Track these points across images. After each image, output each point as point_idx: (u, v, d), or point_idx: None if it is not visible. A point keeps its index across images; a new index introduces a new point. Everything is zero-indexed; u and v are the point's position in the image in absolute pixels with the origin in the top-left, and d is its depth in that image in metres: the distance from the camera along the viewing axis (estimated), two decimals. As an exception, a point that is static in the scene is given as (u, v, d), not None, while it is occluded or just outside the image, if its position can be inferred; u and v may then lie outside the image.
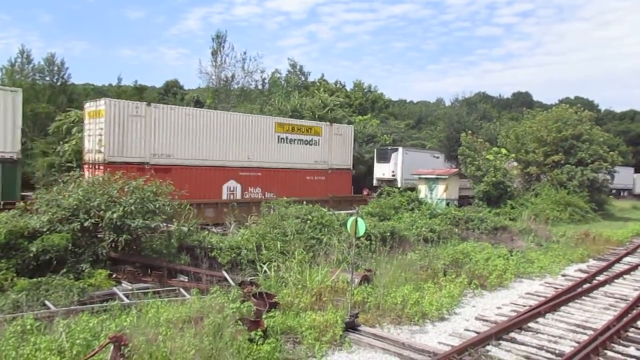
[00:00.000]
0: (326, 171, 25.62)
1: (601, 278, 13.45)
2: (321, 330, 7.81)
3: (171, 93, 51.28)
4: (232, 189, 22.18)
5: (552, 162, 30.35)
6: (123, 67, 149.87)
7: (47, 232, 10.78)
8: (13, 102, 18.09)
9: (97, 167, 18.97)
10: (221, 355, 6.28)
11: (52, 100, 35.67)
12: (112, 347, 5.76)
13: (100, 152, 18.90)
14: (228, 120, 22.43)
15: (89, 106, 20.32)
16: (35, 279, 9.23)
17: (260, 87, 47.32)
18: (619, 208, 35.26)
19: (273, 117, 26.10)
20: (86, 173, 19.04)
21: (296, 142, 24.49)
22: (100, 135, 18.99)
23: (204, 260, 11.62)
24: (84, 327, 6.73)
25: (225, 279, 10.85)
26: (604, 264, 15.41)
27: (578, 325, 9.32)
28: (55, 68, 38.32)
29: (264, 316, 7.73)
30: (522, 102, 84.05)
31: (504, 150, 30.18)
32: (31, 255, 10.18)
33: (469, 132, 30.10)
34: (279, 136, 23.80)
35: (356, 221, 8.71)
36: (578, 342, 8.25)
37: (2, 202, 16.35)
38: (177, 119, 20.52)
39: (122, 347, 5.77)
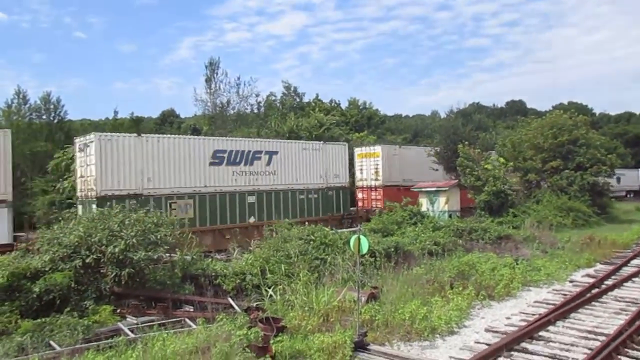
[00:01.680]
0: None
1: (610, 282, 13.34)
2: (330, 352, 7.72)
3: (168, 122, 51.62)
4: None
5: (551, 169, 30.36)
6: (118, 100, 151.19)
7: (50, 271, 10.76)
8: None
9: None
10: (230, 385, 6.20)
11: (49, 138, 35.84)
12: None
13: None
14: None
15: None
16: (39, 320, 9.17)
17: (256, 110, 47.64)
18: (622, 210, 35.11)
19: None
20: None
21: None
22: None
23: (209, 288, 11.57)
24: (90, 366, 6.66)
25: (231, 306, 10.77)
26: (612, 267, 15.29)
27: (589, 332, 9.21)
28: (52, 106, 38.63)
29: (271, 341, 7.66)
30: (517, 110, 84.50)
31: (502, 159, 30.19)
32: (34, 295, 10.15)
33: (466, 143, 30.19)
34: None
35: (359, 239, 8.68)
36: (591, 349, 8.14)
37: None
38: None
39: (130, 383, 5.70)
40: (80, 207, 19.64)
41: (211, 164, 21.77)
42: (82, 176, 19.88)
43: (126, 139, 19.82)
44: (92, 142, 19.01)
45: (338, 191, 26.85)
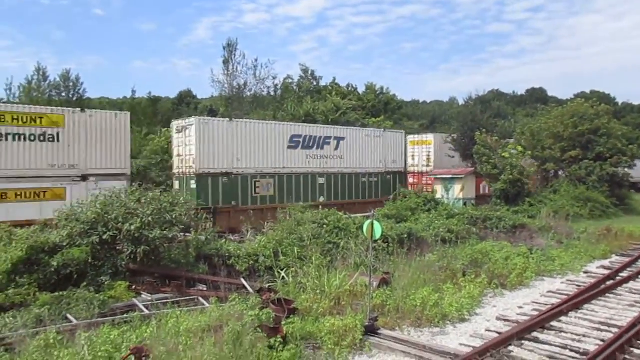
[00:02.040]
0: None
1: (625, 274, 13.20)
2: (341, 335, 7.79)
3: (185, 103, 51.79)
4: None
5: (570, 158, 29.93)
6: (137, 80, 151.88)
7: (67, 247, 10.95)
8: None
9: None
10: (241, 364, 6.30)
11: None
12: (133, 358, 5.82)
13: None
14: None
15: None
16: (57, 293, 9.37)
17: (272, 93, 47.52)
18: (641, 202, 34.55)
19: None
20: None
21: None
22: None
23: (222, 269, 11.69)
24: (105, 340, 6.82)
25: (244, 287, 10.89)
26: (628, 259, 15.12)
27: (602, 323, 9.15)
28: (71, 84, 39.05)
29: (283, 322, 7.74)
30: (537, 98, 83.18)
31: (519, 148, 29.80)
32: (52, 269, 10.35)
33: (484, 130, 29.83)
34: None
35: (372, 224, 8.68)
36: (603, 340, 8.10)
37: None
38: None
39: (144, 358, 5.83)
40: (177, 182, 22.21)
41: (289, 147, 24.11)
42: (179, 155, 22.12)
43: (220, 122, 22.18)
44: (191, 125, 21.29)
45: (395, 175, 28.78)
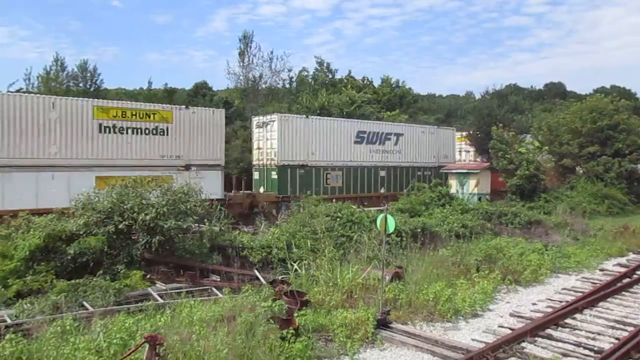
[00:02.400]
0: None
1: (642, 272, 13.01)
2: (353, 328, 7.81)
3: (200, 94, 51.88)
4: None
5: (588, 154, 29.48)
6: (153, 71, 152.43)
7: (84, 235, 11.11)
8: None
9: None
10: (254, 354, 6.34)
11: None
12: (147, 346, 5.89)
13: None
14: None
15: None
16: (73, 281, 9.52)
17: (287, 85, 47.50)
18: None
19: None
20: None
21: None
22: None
23: (236, 260, 11.77)
24: (120, 327, 6.91)
25: (257, 278, 10.96)
26: (645, 257, 14.91)
27: (617, 321, 9.04)
28: (89, 74, 39.34)
29: (295, 314, 7.77)
30: (555, 92, 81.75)
31: (536, 143, 29.44)
32: (69, 257, 10.52)
33: (500, 125, 29.50)
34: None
35: (386, 218, 8.65)
36: (618, 339, 8.01)
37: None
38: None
39: (157, 347, 5.89)
40: (256, 173, 25.01)
41: (355, 142, 26.76)
42: (259, 148, 24.81)
43: (298, 119, 24.96)
44: (273, 121, 23.99)
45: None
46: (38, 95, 21.29)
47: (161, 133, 19.94)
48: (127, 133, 19.10)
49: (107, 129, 18.73)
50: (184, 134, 20.43)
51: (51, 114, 17.67)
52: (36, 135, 17.29)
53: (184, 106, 21.28)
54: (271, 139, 23.94)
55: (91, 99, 20.61)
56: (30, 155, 17.18)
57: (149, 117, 19.74)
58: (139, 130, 19.40)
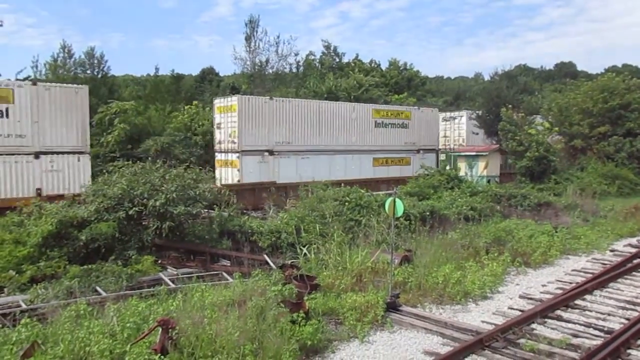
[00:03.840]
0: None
1: (653, 253, 12.94)
2: (362, 311, 7.86)
3: (207, 80, 51.77)
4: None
5: (599, 134, 29.14)
6: (159, 57, 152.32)
7: (95, 221, 11.23)
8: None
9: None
10: (265, 337, 6.41)
11: (93, 93, 36.47)
12: (160, 330, 5.98)
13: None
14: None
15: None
16: (85, 266, 9.66)
17: (294, 70, 47.24)
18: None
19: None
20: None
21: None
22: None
23: (245, 245, 11.86)
24: (133, 312, 7.01)
25: (267, 263, 11.04)
26: (656, 238, 14.82)
27: (628, 302, 9.04)
28: (96, 61, 39.26)
29: (305, 298, 7.83)
30: (566, 72, 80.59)
31: (546, 124, 29.11)
32: (81, 243, 10.66)
33: (509, 106, 29.19)
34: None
35: (394, 201, 8.65)
36: (628, 319, 8.01)
37: None
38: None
39: (170, 330, 5.98)
40: (443, 155, 30.08)
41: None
42: (446, 136, 33.37)
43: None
44: (462, 116, 33.91)
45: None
46: (344, 103, 28.82)
47: (405, 127, 27.93)
48: (385, 127, 27.17)
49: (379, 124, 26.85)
50: (419, 127, 26.64)
51: (352, 115, 25.55)
52: (344, 130, 25.17)
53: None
54: (459, 130, 34.01)
55: (370, 105, 28.61)
56: (343, 143, 25.06)
57: (397, 115, 27.83)
58: (392, 125, 27.46)
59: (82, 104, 18.22)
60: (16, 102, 16.44)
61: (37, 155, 16.75)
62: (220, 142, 22.92)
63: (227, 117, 22.38)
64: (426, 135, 28.85)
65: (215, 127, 23.47)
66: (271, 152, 22.53)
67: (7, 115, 16.29)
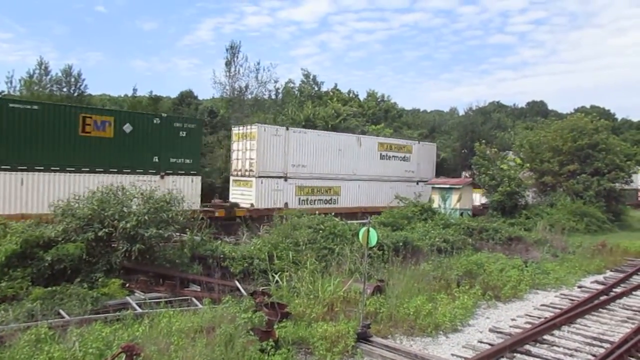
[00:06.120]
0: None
1: (619, 290, 13.21)
2: (333, 341, 7.77)
3: (185, 103, 51.66)
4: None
5: (568, 172, 29.98)
6: (137, 78, 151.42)
7: (62, 242, 10.93)
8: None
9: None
10: (232, 366, 6.28)
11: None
12: (124, 356, 5.80)
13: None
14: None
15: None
16: (50, 288, 9.35)
17: (273, 96, 47.53)
18: (637, 218, 34.58)
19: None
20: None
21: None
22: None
23: (217, 270, 11.67)
24: (96, 337, 6.79)
25: (238, 289, 10.87)
26: (622, 275, 15.15)
27: (595, 338, 9.15)
28: (73, 79, 38.92)
29: (275, 326, 7.73)
30: (537, 111, 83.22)
31: (518, 160, 29.91)
32: (46, 264, 10.32)
33: (483, 141, 29.89)
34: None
35: (368, 231, 8.67)
36: (594, 355, 8.11)
37: None
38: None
39: (135, 357, 5.80)
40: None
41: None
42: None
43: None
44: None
45: None
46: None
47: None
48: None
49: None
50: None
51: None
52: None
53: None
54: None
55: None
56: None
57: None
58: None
59: None
60: None
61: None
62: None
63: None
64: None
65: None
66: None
67: None
